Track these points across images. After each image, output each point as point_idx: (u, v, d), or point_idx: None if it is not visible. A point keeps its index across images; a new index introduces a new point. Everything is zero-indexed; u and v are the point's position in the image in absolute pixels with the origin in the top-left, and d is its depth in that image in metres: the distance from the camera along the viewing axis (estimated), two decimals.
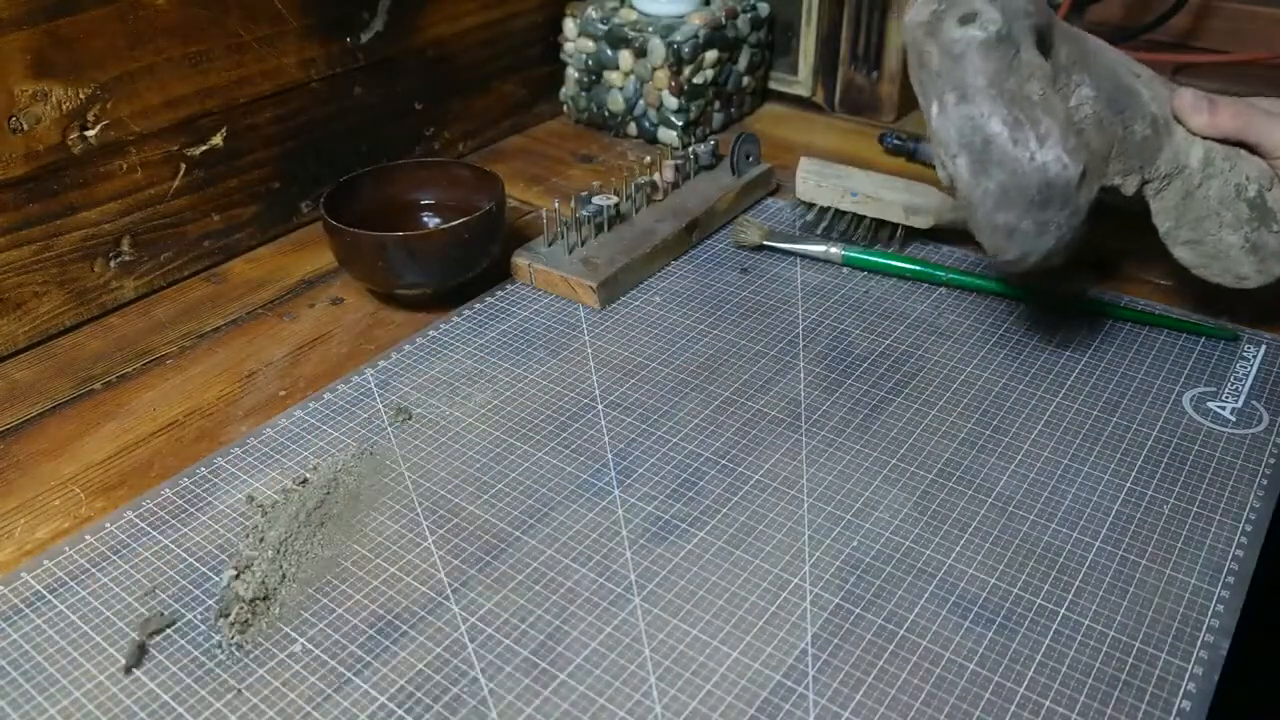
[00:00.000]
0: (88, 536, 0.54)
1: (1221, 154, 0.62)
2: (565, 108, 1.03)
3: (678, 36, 0.91)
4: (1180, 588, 0.50)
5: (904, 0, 0.94)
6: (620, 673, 0.46)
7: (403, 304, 0.73)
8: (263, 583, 0.51)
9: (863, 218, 0.78)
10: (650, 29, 0.92)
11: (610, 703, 0.45)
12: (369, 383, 0.65)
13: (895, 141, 0.93)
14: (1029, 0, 0.57)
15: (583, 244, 0.75)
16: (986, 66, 0.53)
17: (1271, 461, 0.58)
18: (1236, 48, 1.08)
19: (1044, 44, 0.58)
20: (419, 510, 0.55)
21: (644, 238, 0.76)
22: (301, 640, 0.48)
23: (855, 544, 0.53)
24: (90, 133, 0.68)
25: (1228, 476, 0.57)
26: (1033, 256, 0.57)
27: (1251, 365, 0.65)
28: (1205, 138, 0.62)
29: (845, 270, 0.76)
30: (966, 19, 0.54)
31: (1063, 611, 0.49)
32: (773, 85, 1.05)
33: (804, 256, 0.77)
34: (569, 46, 0.99)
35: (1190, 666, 0.46)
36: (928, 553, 0.52)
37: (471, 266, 0.72)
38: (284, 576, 0.51)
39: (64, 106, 0.66)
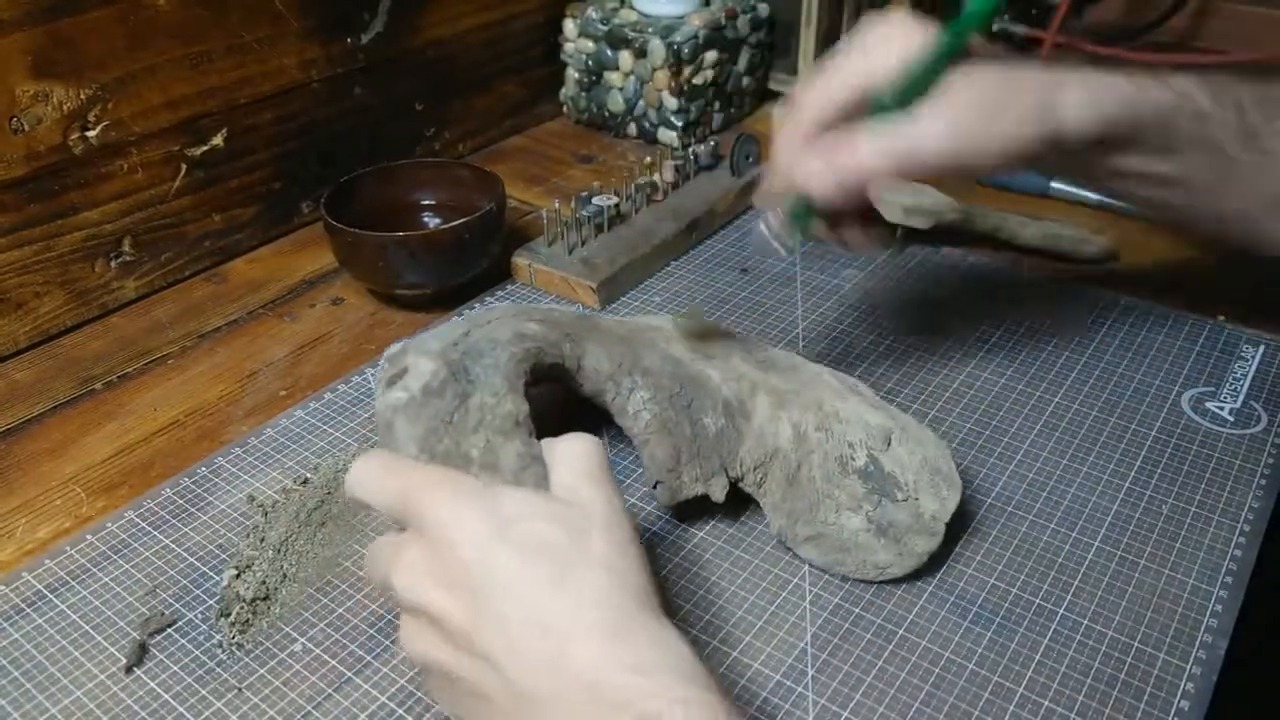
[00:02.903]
0: (89, 536, 0.54)
1: (813, 423, 0.52)
2: (565, 108, 1.03)
3: (678, 37, 0.91)
4: (1179, 587, 0.50)
5: (904, 1, 0.94)
6: None
7: (403, 304, 0.73)
8: (263, 582, 0.51)
9: None
10: (650, 29, 0.92)
11: None
12: (369, 383, 0.65)
13: None
14: (522, 320, 0.51)
15: (583, 244, 0.75)
16: (415, 430, 0.45)
17: (1270, 462, 0.58)
18: (1236, 48, 1.08)
19: (549, 365, 0.51)
20: None
21: (644, 238, 0.76)
22: (302, 640, 0.48)
23: None
24: (91, 133, 0.68)
25: (1226, 477, 0.57)
26: None
27: (1250, 365, 0.65)
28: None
29: (845, 270, 0.76)
30: (393, 380, 0.47)
31: (1061, 611, 0.49)
32: (773, 85, 1.05)
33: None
34: (569, 47, 0.99)
35: (1189, 666, 0.46)
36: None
37: (471, 266, 0.72)
38: (284, 576, 0.51)
39: (65, 107, 0.66)
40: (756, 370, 0.55)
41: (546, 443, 0.45)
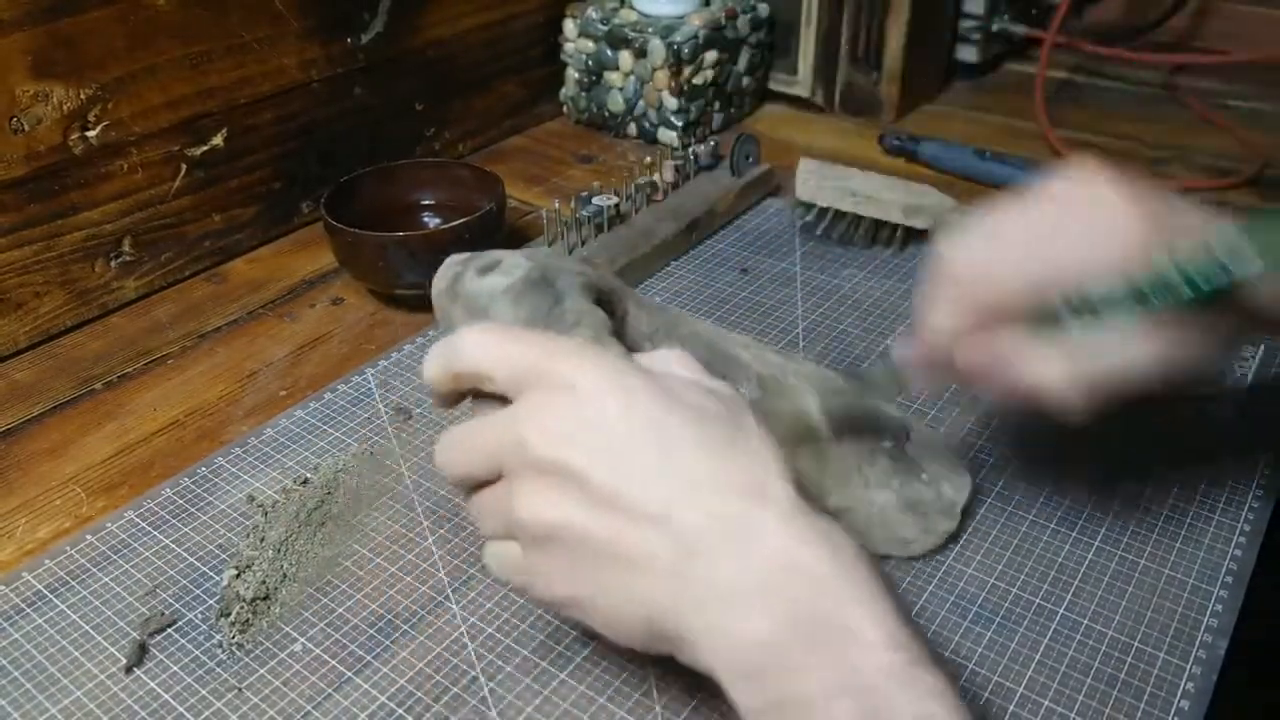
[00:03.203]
0: (88, 536, 0.54)
1: (841, 406, 0.53)
2: (565, 108, 1.03)
3: (678, 37, 0.91)
4: (1179, 587, 0.50)
5: (903, 1, 0.95)
6: (620, 672, 0.46)
7: (403, 304, 0.73)
8: (263, 582, 0.51)
9: (863, 218, 0.78)
10: (650, 29, 0.92)
11: (610, 702, 0.45)
12: (369, 383, 0.65)
13: (895, 142, 0.93)
14: (578, 262, 0.50)
15: (583, 244, 0.75)
16: (518, 313, 0.44)
17: (1270, 461, 0.58)
18: (1236, 48, 1.08)
19: (606, 305, 0.49)
20: (419, 510, 0.55)
21: (644, 238, 0.76)
22: (302, 639, 0.48)
23: None
24: (91, 133, 0.68)
25: (1227, 477, 0.57)
26: None
27: (1250, 365, 0.65)
28: None
29: (845, 270, 0.76)
30: (486, 269, 0.46)
31: (1061, 611, 0.49)
32: (773, 85, 1.05)
33: None
34: (569, 47, 0.99)
35: (1189, 666, 0.46)
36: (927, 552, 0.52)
37: None
38: (284, 576, 0.51)
39: (65, 107, 0.66)
40: (780, 357, 0.56)
41: (638, 356, 0.42)
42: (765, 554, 0.33)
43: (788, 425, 0.52)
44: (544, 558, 0.37)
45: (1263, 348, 0.67)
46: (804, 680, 0.32)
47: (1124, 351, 0.40)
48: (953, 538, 0.52)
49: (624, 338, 0.52)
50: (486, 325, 0.40)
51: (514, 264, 0.45)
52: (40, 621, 0.49)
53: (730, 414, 0.37)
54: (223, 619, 0.49)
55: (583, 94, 1.00)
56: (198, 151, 0.75)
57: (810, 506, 0.35)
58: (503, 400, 0.38)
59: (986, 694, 0.45)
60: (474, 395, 0.40)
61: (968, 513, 0.54)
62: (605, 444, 0.35)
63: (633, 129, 0.98)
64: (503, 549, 0.39)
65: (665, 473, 0.35)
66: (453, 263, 0.47)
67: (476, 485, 0.39)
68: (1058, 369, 0.41)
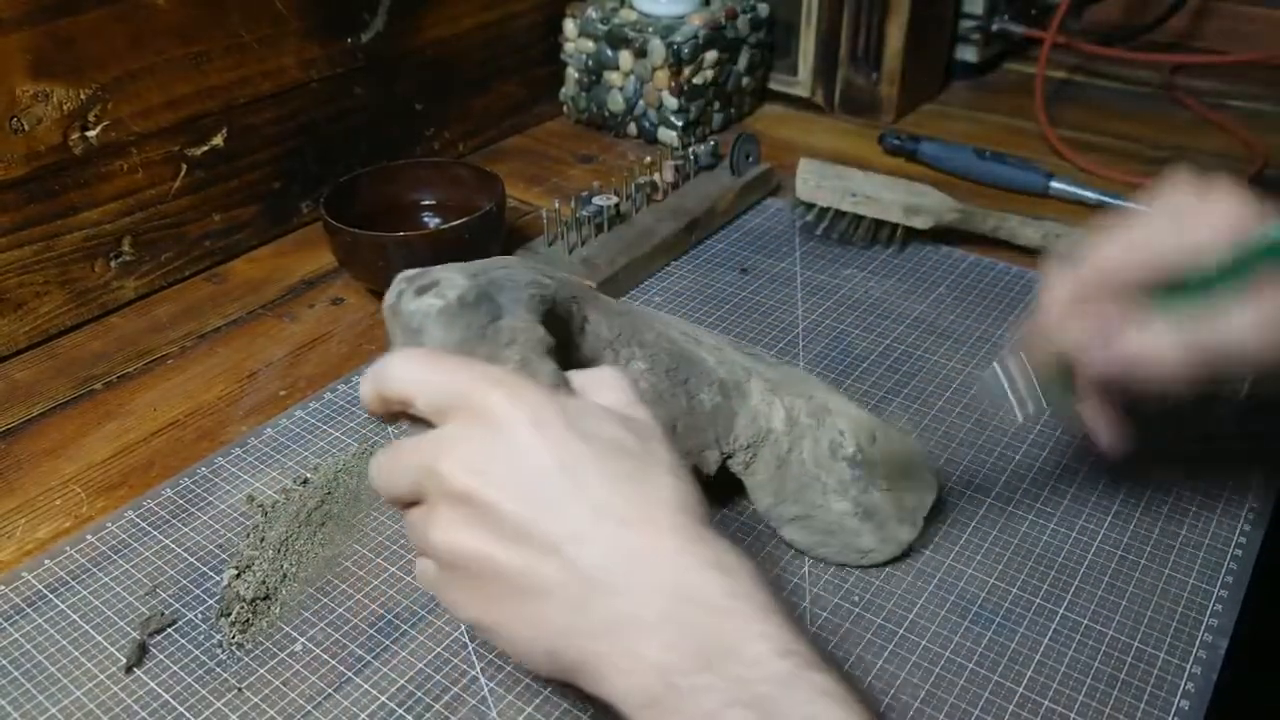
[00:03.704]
0: (88, 536, 0.54)
1: (805, 410, 0.52)
2: (565, 108, 1.03)
3: (678, 37, 0.91)
4: (1179, 587, 0.50)
5: (903, 1, 0.95)
6: None
7: None
8: (263, 582, 0.51)
9: (863, 218, 0.78)
10: (650, 29, 0.92)
11: None
12: None
13: (895, 142, 0.93)
14: (534, 270, 0.49)
15: (583, 244, 0.75)
16: (449, 336, 0.44)
17: (1271, 462, 0.58)
18: (1235, 48, 1.09)
19: (558, 317, 0.49)
20: None
21: (644, 238, 0.76)
22: (302, 639, 0.48)
23: None
24: (91, 133, 0.68)
25: (1227, 477, 0.57)
26: None
27: None
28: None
29: (845, 270, 0.76)
30: (424, 289, 0.46)
31: (1061, 611, 0.49)
32: (773, 85, 1.05)
33: None
34: (569, 46, 0.99)
35: (1189, 666, 0.46)
36: (927, 552, 0.52)
37: None
38: (284, 576, 0.51)
39: (65, 107, 0.66)
40: (748, 359, 0.55)
41: (572, 374, 0.43)
42: (661, 585, 0.35)
43: (743, 429, 0.52)
44: (455, 582, 0.38)
45: None
46: (700, 702, 0.33)
47: (1231, 319, 0.41)
48: (953, 538, 0.52)
49: (582, 347, 0.52)
50: (413, 350, 0.41)
51: (451, 284, 0.45)
52: (40, 621, 0.49)
53: (641, 445, 0.38)
54: (223, 619, 0.49)
55: (583, 94, 1.00)
56: (198, 151, 0.75)
57: (708, 533, 0.36)
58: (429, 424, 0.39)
59: (986, 694, 0.45)
60: (405, 417, 0.41)
61: (968, 513, 0.54)
62: (515, 476, 0.36)
63: (633, 129, 0.98)
64: (427, 566, 0.40)
65: (570, 505, 0.36)
66: (399, 280, 0.48)
67: (404, 504, 0.40)
68: (1167, 336, 0.42)
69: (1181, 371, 0.42)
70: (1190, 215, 0.43)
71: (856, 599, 0.50)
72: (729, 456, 0.53)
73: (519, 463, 0.36)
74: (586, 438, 0.37)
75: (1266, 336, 0.41)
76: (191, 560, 0.52)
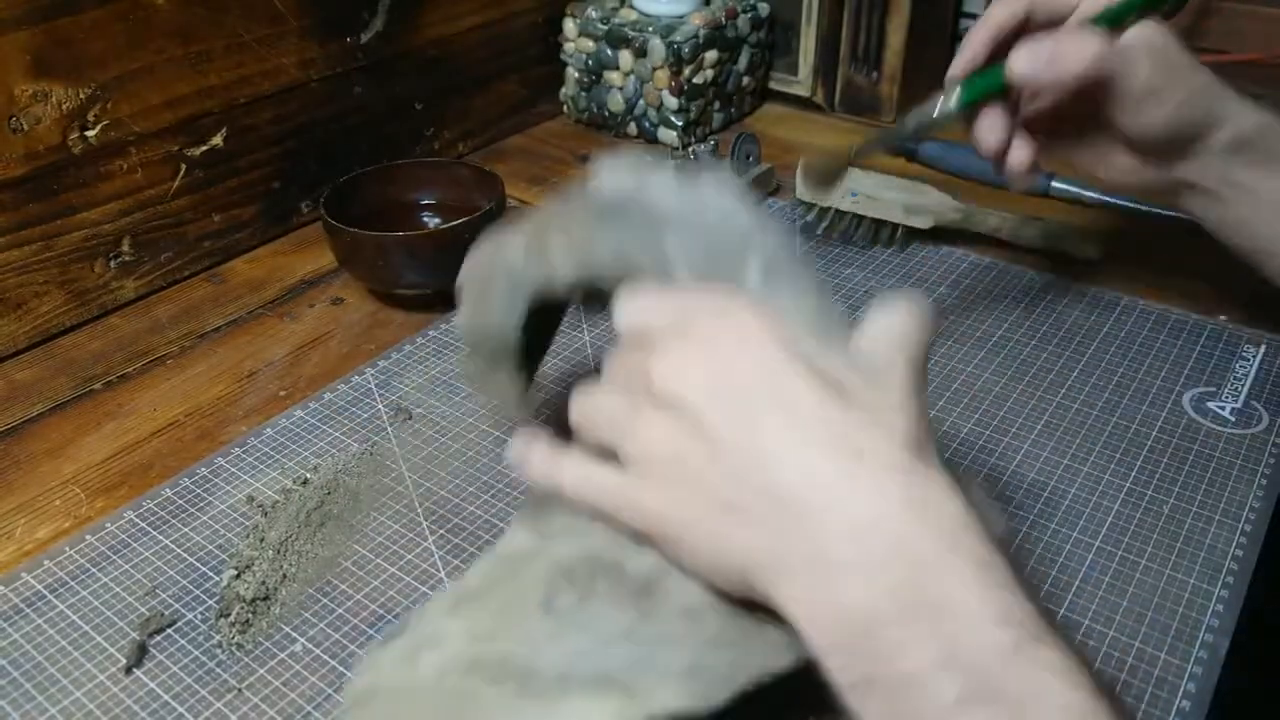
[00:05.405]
0: (88, 536, 0.54)
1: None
2: (565, 108, 1.03)
3: (678, 36, 0.91)
4: (1180, 587, 0.50)
5: (903, 1, 0.94)
6: None
7: (403, 304, 0.73)
8: (263, 582, 0.51)
9: (863, 218, 0.78)
10: (650, 29, 0.92)
11: None
12: (369, 383, 0.65)
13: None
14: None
15: None
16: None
17: (1271, 461, 0.58)
18: (1236, 48, 1.08)
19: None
20: (419, 510, 0.55)
21: None
22: (302, 640, 0.48)
23: None
24: (90, 133, 0.68)
25: (1227, 476, 0.57)
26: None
27: (1251, 365, 0.65)
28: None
29: (845, 270, 0.76)
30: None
31: (1062, 611, 0.49)
32: (773, 85, 1.05)
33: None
34: (569, 46, 0.99)
35: (1190, 666, 0.46)
36: None
37: None
38: (284, 576, 0.51)
39: (64, 106, 0.66)
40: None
41: (878, 307, 0.40)
42: (867, 523, 0.33)
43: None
44: (647, 486, 0.37)
45: (1263, 347, 0.67)
46: (902, 657, 0.31)
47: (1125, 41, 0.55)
48: None
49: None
50: (638, 287, 0.41)
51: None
52: (40, 622, 0.49)
53: (868, 378, 0.37)
54: (223, 619, 0.49)
55: (583, 93, 1.00)
56: (197, 151, 0.75)
57: (925, 466, 0.35)
58: None
59: None
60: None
61: None
62: (740, 388, 0.36)
63: (633, 128, 0.98)
64: (596, 472, 0.39)
65: (777, 425, 0.35)
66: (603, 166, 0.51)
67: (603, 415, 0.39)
68: (1095, 39, 0.54)
69: (1093, 69, 0.54)
70: None
71: None
72: None
73: (742, 379, 0.36)
74: (809, 362, 0.36)
75: (1152, 64, 0.55)
76: (191, 560, 0.52)
